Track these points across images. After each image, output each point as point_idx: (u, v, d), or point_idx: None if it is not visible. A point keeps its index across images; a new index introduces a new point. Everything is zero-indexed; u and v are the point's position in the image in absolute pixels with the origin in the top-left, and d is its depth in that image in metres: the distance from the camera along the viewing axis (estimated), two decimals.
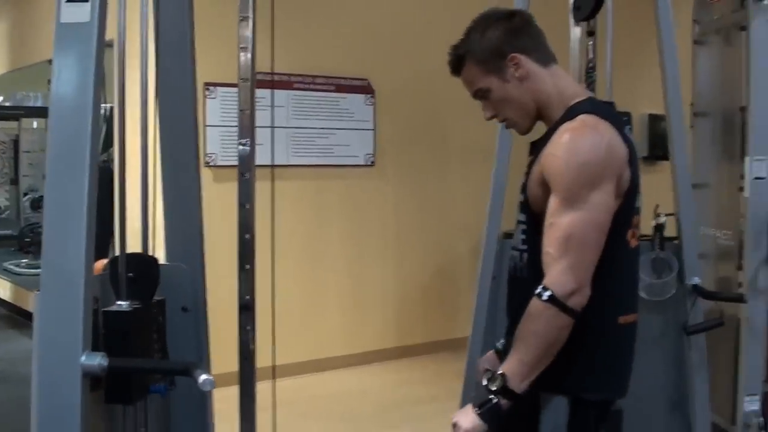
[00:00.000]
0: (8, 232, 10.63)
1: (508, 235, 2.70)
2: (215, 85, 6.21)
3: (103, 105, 2.29)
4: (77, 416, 2.11)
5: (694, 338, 3.55)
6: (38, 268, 7.59)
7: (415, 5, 7.29)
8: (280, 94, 6.54)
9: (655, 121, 8.25)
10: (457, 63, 2.45)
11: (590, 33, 3.69)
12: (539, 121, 2.47)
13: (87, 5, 2.21)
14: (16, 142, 11.06)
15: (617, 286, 2.38)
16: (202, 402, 2.95)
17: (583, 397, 2.41)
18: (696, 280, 3.54)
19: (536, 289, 2.21)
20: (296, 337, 6.59)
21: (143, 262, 2.62)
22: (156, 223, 2.84)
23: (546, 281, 2.20)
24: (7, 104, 11.12)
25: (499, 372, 2.24)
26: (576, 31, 3.81)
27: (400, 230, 7.41)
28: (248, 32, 2.75)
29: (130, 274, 2.53)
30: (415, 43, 7.19)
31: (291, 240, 6.60)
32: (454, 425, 2.27)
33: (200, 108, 5.71)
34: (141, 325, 2.50)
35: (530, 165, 2.40)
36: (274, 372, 3.02)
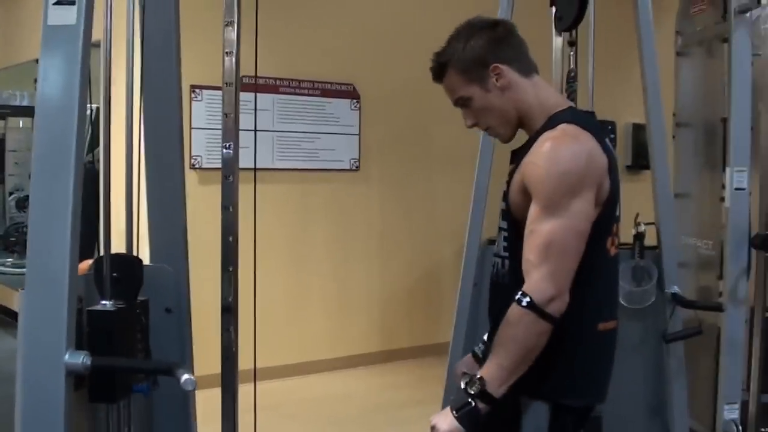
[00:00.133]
0: None
1: (492, 242, 2.73)
2: (201, 87, 6.22)
3: (88, 106, 2.30)
4: (61, 414, 2.13)
5: (673, 346, 3.59)
6: (23, 267, 7.56)
7: (401, 11, 7.32)
8: (265, 97, 6.56)
9: (638, 130, 8.26)
10: (439, 70, 2.48)
11: (571, 43, 3.71)
12: (521, 129, 2.51)
13: (74, 8, 2.22)
14: (1, 141, 11.00)
15: (597, 294, 2.42)
16: (184, 402, 2.97)
17: (563, 402, 2.44)
18: (675, 289, 3.58)
19: (516, 295, 2.24)
20: (281, 340, 6.61)
21: (127, 262, 2.64)
22: (141, 224, 2.85)
23: (526, 287, 2.23)
24: None
25: (477, 376, 2.26)
26: (558, 41, 3.84)
27: (385, 234, 7.44)
28: (233, 37, 2.76)
29: (115, 274, 2.55)
30: (401, 49, 7.22)
31: (276, 243, 6.61)
32: (433, 428, 2.29)
33: (186, 110, 5.73)
34: (125, 324, 2.52)
35: (511, 173, 2.43)
36: (255, 374, 3.03)
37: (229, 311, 2.82)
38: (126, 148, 2.76)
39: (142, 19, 2.91)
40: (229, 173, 2.80)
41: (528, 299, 2.21)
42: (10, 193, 10.62)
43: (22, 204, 10.03)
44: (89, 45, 2.26)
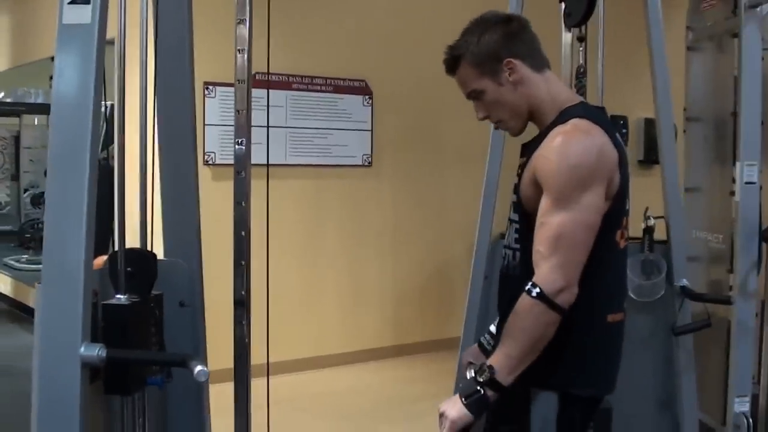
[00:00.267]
0: (9, 227, 10.67)
1: (503, 236, 2.76)
2: (215, 84, 6.26)
3: (103, 103, 2.34)
4: (77, 405, 2.16)
5: (682, 339, 3.61)
6: (38, 263, 7.61)
7: (413, 7, 7.34)
8: (278, 94, 6.60)
9: (650, 125, 8.25)
10: (453, 63, 2.50)
11: (581, 39, 3.73)
12: (531, 122, 2.54)
13: (88, 7, 2.25)
14: (17, 138, 11.10)
15: (606, 286, 2.45)
16: (198, 395, 3.00)
17: (572, 392, 2.47)
18: (684, 282, 3.60)
19: (526, 285, 2.27)
20: (294, 335, 6.65)
21: (142, 257, 2.66)
22: (155, 219, 2.89)
23: (536, 279, 2.26)
24: (8, 100, 11.15)
25: (487, 364, 2.30)
26: (567, 37, 3.86)
27: (398, 230, 7.46)
28: (245, 34, 2.80)
29: (129, 269, 2.57)
30: (413, 45, 7.25)
31: (290, 239, 6.65)
32: (442, 414, 2.33)
33: (199, 107, 5.76)
34: (139, 318, 2.55)
35: (522, 166, 2.46)
36: (268, 367, 3.07)
37: (242, 305, 2.86)
38: (140, 144, 2.79)
39: (155, 16, 2.93)
40: (241, 169, 2.84)
41: (538, 290, 2.24)
42: (25, 190, 10.73)
43: (37, 200, 10.14)
44: (104, 43, 2.29)
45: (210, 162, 6.31)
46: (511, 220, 2.53)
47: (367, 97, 7.17)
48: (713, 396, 4.45)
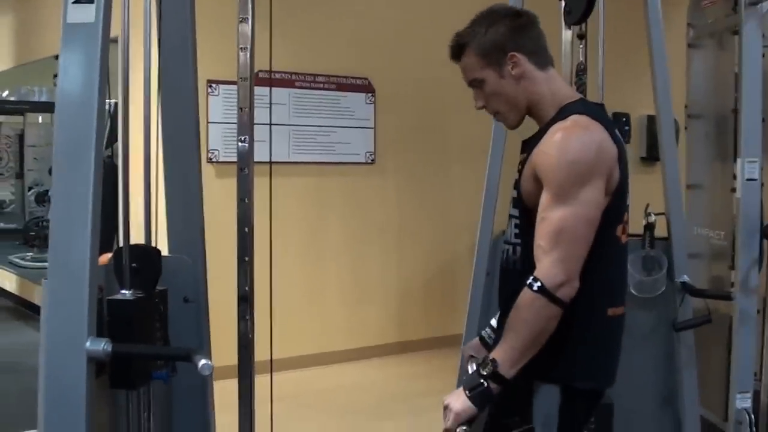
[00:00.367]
0: (13, 225, 10.70)
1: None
2: (218, 82, 6.29)
3: (107, 101, 2.36)
4: (83, 398, 2.18)
5: (683, 334, 3.63)
6: (43, 261, 7.63)
7: (415, 5, 7.36)
8: (281, 92, 6.62)
9: (653, 122, 8.20)
10: (458, 50, 2.53)
11: (581, 36, 3.75)
12: (529, 117, 2.56)
13: (92, 6, 2.27)
14: (21, 137, 11.12)
15: (607, 280, 2.47)
16: (202, 390, 3.02)
17: (573, 385, 2.49)
18: (685, 278, 3.62)
19: (527, 280, 2.30)
20: (298, 331, 6.68)
21: (146, 253, 2.68)
22: (159, 216, 2.91)
23: (537, 273, 2.29)
24: (12, 99, 11.17)
25: (490, 358, 2.32)
26: (567, 35, 3.88)
27: (401, 227, 7.48)
28: (247, 32, 2.82)
29: (134, 265, 2.60)
30: (416, 43, 7.27)
31: (293, 236, 6.68)
32: (446, 407, 2.35)
33: (203, 105, 5.78)
34: (144, 313, 2.57)
35: (522, 162, 2.49)
36: (272, 362, 3.09)
37: (245, 300, 2.88)
38: (144, 142, 2.81)
39: (158, 15, 2.96)
40: (244, 166, 2.86)
41: (539, 284, 2.27)
42: (30, 188, 10.75)
43: (41, 199, 10.16)
44: (108, 42, 2.31)
45: (213, 159, 6.33)
46: (511, 216, 2.56)
47: (369, 94, 7.19)
48: (715, 392, 4.46)
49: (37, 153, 10.89)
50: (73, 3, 2.28)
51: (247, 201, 2.85)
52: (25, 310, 8.59)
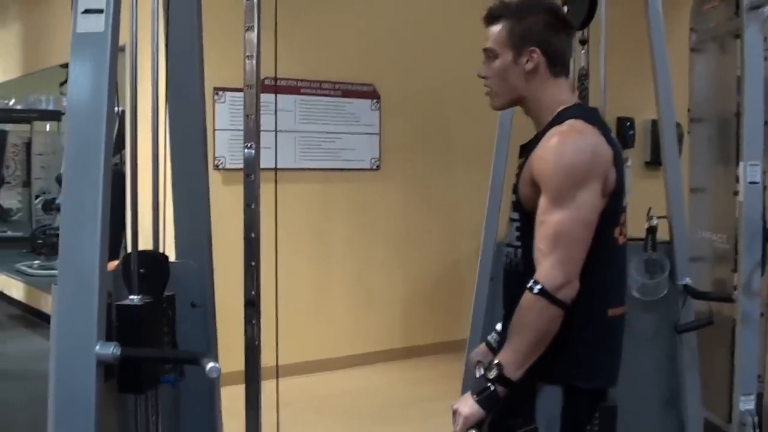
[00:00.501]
0: (20, 234, 10.75)
1: None
2: (224, 89, 6.30)
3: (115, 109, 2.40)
4: (92, 402, 2.22)
5: (685, 336, 3.65)
6: (50, 269, 7.68)
7: (420, 12, 7.38)
8: (287, 99, 6.64)
9: (657, 127, 8.28)
10: (492, 18, 2.55)
11: (583, 42, 3.77)
12: (527, 120, 2.60)
13: (102, 16, 2.31)
14: (28, 145, 11.17)
15: (607, 281, 2.51)
16: (210, 394, 3.05)
17: (576, 385, 2.52)
18: (687, 281, 3.65)
19: (528, 283, 2.33)
20: (303, 337, 6.68)
21: (154, 259, 2.71)
22: (167, 222, 2.95)
23: (537, 275, 2.33)
24: (19, 107, 11.22)
25: (495, 361, 2.37)
26: None
27: (406, 233, 7.50)
28: (253, 40, 2.85)
29: (142, 271, 2.63)
30: (420, 49, 7.30)
31: (299, 242, 6.70)
32: (455, 412, 2.39)
33: (209, 112, 5.81)
34: (152, 318, 2.60)
35: (521, 166, 2.53)
36: (278, 368, 3.11)
37: (252, 305, 2.91)
38: (152, 149, 2.85)
39: (166, 23, 2.99)
40: (250, 172, 2.90)
41: (540, 286, 2.31)
42: (37, 196, 10.80)
43: (49, 207, 10.20)
44: (116, 51, 2.35)
45: (220, 166, 6.36)
46: (511, 219, 2.59)
47: (375, 101, 7.22)
48: (719, 394, 4.48)
49: (44, 161, 10.94)
50: (83, 12, 2.32)
51: (253, 207, 2.89)
52: (32, 317, 8.62)
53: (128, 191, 2.71)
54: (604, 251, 2.43)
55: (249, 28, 2.84)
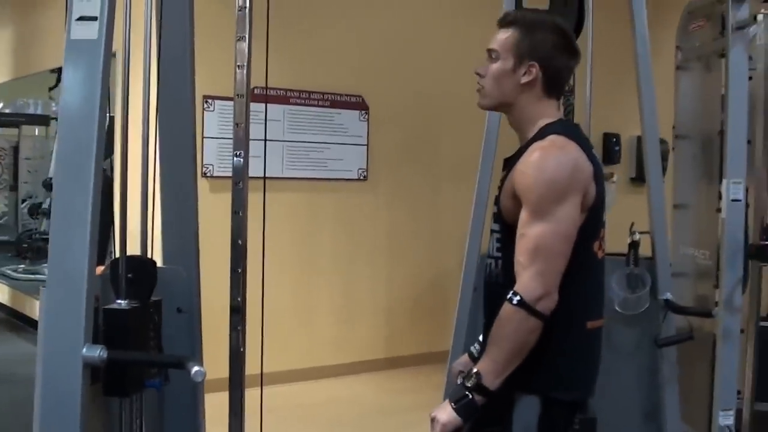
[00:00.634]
0: (6, 238, 10.71)
1: None
2: (213, 98, 6.33)
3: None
4: (78, 403, 2.25)
5: (666, 351, 3.68)
6: (35, 273, 7.64)
7: (410, 24, 7.42)
8: (276, 108, 6.66)
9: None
10: (506, 23, 2.60)
11: None
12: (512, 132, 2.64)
13: (95, 23, 2.35)
14: (16, 149, 11.14)
15: (585, 294, 2.55)
16: (193, 399, 3.08)
17: (553, 396, 2.55)
18: (668, 295, 3.67)
19: (507, 294, 2.37)
20: (288, 346, 6.70)
21: (142, 264, 2.75)
22: (155, 228, 2.97)
23: (516, 287, 2.37)
24: (7, 111, 11.21)
25: (474, 370, 2.40)
26: None
27: (391, 244, 7.53)
28: (245, 50, 2.88)
29: (130, 275, 2.66)
30: (409, 62, 7.35)
31: (285, 251, 6.71)
32: (433, 419, 2.43)
33: (198, 120, 5.83)
34: (138, 322, 2.63)
35: (503, 180, 2.57)
36: (262, 376, 3.13)
37: (237, 311, 2.93)
38: (142, 155, 2.88)
39: (159, 31, 3.02)
40: (239, 180, 2.92)
41: (518, 298, 2.34)
42: (23, 201, 10.77)
43: (35, 211, 10.18)
44: (110, 58, 2.38)
45: (208, 174, 6.38)
46: (493, 231, 2.64)
47: (363, 112, 7.25)
48: (699, 409, 4.50)
49: (31, 165, 10.91)
50: (78, 20, 2.35)
51: (241, 214, 2.91)
52: (17, 321, 8.61)
53: (117, 196, 2.73)
54: (583, 264, 2.47)
55: (241, 38, 2.87)
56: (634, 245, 3.72)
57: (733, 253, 3.79)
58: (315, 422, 6.00)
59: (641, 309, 3.69)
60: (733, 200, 3.77)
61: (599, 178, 2.51)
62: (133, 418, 2.75)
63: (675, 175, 5.12)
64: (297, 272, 6.98)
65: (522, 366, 2.40)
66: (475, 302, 3.68)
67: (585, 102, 3.83)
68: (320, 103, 7.04)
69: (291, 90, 6.83)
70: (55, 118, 9.97)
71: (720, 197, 3.95)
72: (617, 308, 3.66)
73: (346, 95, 7.17)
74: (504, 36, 2.58)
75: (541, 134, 2.51)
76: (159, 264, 2.90)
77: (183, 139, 3.12)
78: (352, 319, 7.33)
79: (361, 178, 7.30)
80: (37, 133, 11.04)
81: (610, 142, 8.41)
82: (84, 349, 2.27)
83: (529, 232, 2.38)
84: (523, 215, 2.42)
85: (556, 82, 2.58)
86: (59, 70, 8.50)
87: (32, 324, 7.94)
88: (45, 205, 9.64)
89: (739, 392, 4.01)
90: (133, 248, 2.78)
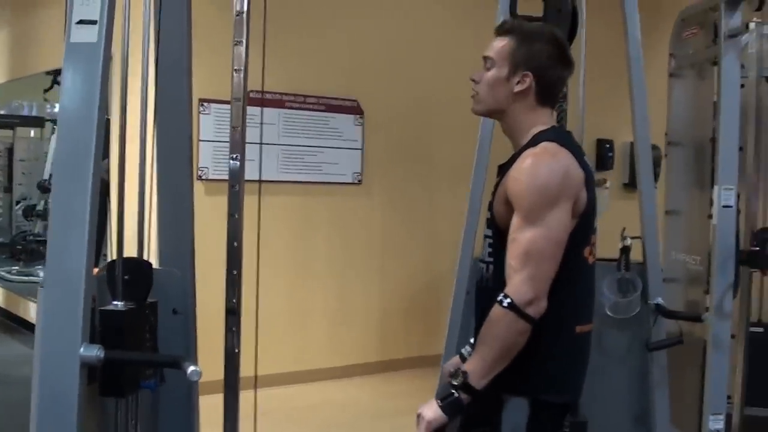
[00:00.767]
0: (0, 239, 10.71)
1: None
2: (209, 101, 6.34)
3: None
4: (75, 402, 2.27)
5: (656, 354, 3.70)
6: (29, 275, 7.63)
7: (405, 29, 7.45)
8: (271, 112, 6.69)
9: None
10: (503, 31, 2.64)
11: None
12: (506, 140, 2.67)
13: (95, 27, 2.37)
14: (10, 151, 11.14)
15: (575, 298, 2.59)
16: (188, 399, 3.11)
17: (541, 398, 2.58)
18: (659, 300, 3.70)
19: (498, 296, 2.41)
20: (281, 349, 6.69)
21: (138, 266, 2.77)
22: (151, 230, 2.99)
23: (507, 290, 2.41)
24: (2, 113, 11.20)
25: (461, 369, 2.44)
26: None
27: (386, 247, 7.55)
28: (242, 55, 2.91)
29: (126, 277, 2.68)
30: (404, 66, 7.37)
31: (279, 254, 6.72)
32: (419, 416, 2.47)
33: (194, 123, 5.84)
34: (135, 323, 2.66)
35: (496, 185, 2.61)
36: (256, 378, 3.15)
37: (233, 313, 2.95)
38: (139, 158, 2.90)
39: (156, 35, 3.05)
40: (235, 183, 2.94)
41: (509, 300, 2.38)
42: (17, 202, 10.77)
43: (29, 213, 10.19)
44: (108, 61, 2.41)
45: (203, 177, 6.38)
46: (485, 236, 2.67)
47: (358, 116, 7.27)
48: (689, 413, 4.53)
49: (26, 167, 10.91)
50: (77, 23, 2.37)
51: (237, 216, 2.93)
52: (11, 323, 8.61)
53: (114, 199, 2.76)
54: (573, 270, 2.51)
55: (238, 43, 2.89)
56: (625, 250, 3.75)
57: (724, 259, 3.83)
58: (309, 425, 6.01)
59: (632, 313, 3.73)
60: (724, 206, 3.81)
61: (590, 185, 2.54)
62: (129, 419, 2.78)
63: (667, 181, 5.15)
64: (292, 275, 6.99)
65: (512, 368, 2.43)
66: (468, 306, 3.69)
67: (578, 108, 3.85)
68: (315, 107, 7.05)
69: (286, 94, 6.84)
70: (50, 120, 10.00)
71: (711, 203, 3.98)
72: (608, 312, 3.69)
73: (341, 99, 7.19)
74: (500, 44, 2.61)
75: (534, 141, 2.54)
76: (155, 266, 2.92)
77: (179, 141, 3.15)
78: (347, 322, 7.34)
79: (356, 181, 7.32)
80: (32, 135, 11.03)
81: (604, 148, 8.44)
82: (81, 349, 2.30)
83: (521, 237, 2.42)
84: (515, 220, 2.45)
85: (549, 92, 2.62)
86: (54, 72, 8.53)
87: (26, 326, 7.94)
88: (39, 207, 9.65)
89: (729, 397, 4.03)
90: (130, 250, 2.79)
